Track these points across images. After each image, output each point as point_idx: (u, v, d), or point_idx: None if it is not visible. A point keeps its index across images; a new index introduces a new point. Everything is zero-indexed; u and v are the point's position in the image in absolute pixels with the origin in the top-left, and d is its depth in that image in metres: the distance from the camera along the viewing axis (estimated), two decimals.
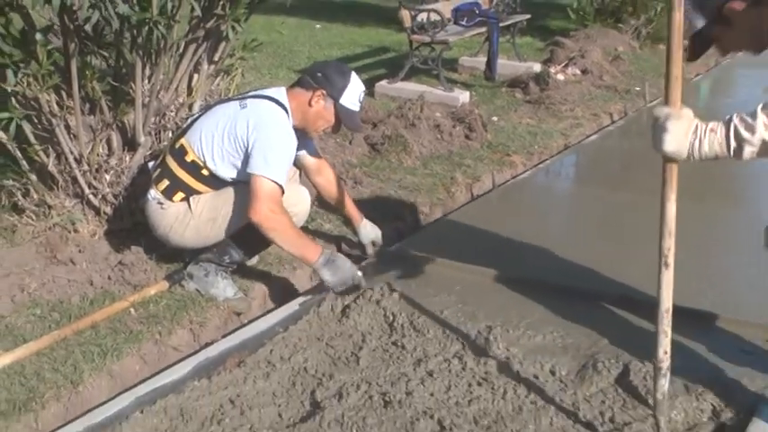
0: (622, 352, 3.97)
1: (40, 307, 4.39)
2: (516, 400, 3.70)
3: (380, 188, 6.40)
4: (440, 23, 9.78)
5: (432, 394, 3.74)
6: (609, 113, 9.22)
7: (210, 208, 4.49)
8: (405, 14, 9.72)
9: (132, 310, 4.44)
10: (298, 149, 4.58)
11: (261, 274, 4.97)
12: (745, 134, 2.82)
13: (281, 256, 5.08)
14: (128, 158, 5.13)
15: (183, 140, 4.52)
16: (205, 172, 4.47)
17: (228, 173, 4.48)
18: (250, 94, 4.61)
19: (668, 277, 3.11)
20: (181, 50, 5.19)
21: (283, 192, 4.35)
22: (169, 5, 4.70)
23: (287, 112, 4.46)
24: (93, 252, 4.84)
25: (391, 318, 4.39)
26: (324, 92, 4.48)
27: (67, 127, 4.92)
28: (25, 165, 5.03)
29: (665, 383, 3.26)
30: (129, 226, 5.08)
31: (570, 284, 4.76)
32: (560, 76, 10.35)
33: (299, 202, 4.56)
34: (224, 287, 4.63)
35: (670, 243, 3.07)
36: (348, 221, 5.17)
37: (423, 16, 9.75)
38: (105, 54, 5.05)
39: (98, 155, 5.02)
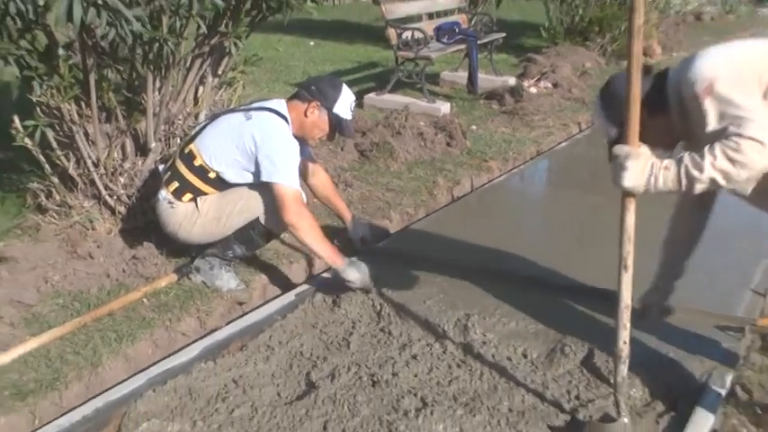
0: (587, 338, 4.01)
1: (62, 297, 4.41)
2: (491, 380, 3.76)
3: (369, 190, 6.38)
4: (423, 41, 9.78)
5: (415, 375, 3.79)
6: (577, 123, 9.20)
7: (216, 208, 4.52)
8: (391, 33, 9.71)
9: (145, 299, 4.46)
10: None
11: (261, 268, 4.97)
12: (694, 173, 2.87)
13: (279, 251, 5.12)
14: (140, 163, 5.14)
15: (191, 146, 4.54)
16: (212, 175, 4.48)
17: (234, 177, 4.50)
18: (253, 105, 4.62)
19: (627, 278, 3.15)
20: (188, 65, 5.19)
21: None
22: (177, 24, 4.73)
23: (287, 121, 4.49)
24: (109, 248, 4.85)
25: (379, 307, 4.43)
26: (318, 103, 4.52)
27: (86, 134, 4.94)
28: (48, 169, 5.04)
29: (624, 369, 3.29)
30: (142, 224, 5.08)
31: (541, 277, 4.81)
32: (533, 89, 10.34)
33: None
34: (227, 279, 4.66)
35: (629, 248, 3.10)
36: (340, 220, 5.17)
37: (408, 34, 9.74)
38: (120, 68, 5.05)
39: (113, 159, 5.03)
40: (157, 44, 4.69)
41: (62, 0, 3.87)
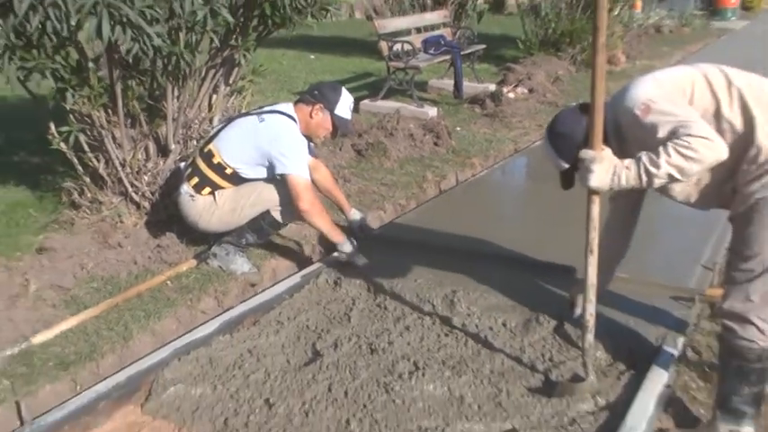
0: (558, 309, 4.08)
1: (96, 281, 4.48)
2: (475, 346, 3.84)
3: (365, 185, 6.43)
4: (412, 52, 9.84)
5: (408, 343, 3.87)
6: None
7: (232, 200, 4.58)
8: (383, 45, 9.78)
9: (168, 282, 4.53)
10: None
11: (270, 254, 5.02)
12: (652, 170, 2.92)
13: (286, 239, 5.18)
14: (161, 163, 5.19)
15: (210, 146, 4.60)
16: (228, 171, 4.55)
17: (249, 173, 4.58)
18: (265, 109, 4.68)
19: (593, 260, 3.25)
20: (202, 75, 5.24)
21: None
22: (193, 39, 4.76)
23: (295, 122, 4.58)
24: (136, 238, 4.90)
25: (375, 285, 4.50)
26: (322, 105, 4.61)
27: (114, 138, 4.99)
28: (80, 169, 5.10)
29: (590, 335, 3.39)
30: (164, 217, 5.12)
31: (519, 257, 4.87)
32: (511, 95, 10.34)
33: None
34: (241, 263, 4.72)
35: (594, 235, 3.20)
36: (340, 210, 5.23)
37: (398, 47, 9.79)
38: (142, 79, 5.10)
39: (138, 160, 5.08)
40: (175, 57, 4.74)
41: (92, 19, 3.95)
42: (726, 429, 3.09)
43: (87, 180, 5.17)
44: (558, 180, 3.44)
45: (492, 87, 10.70)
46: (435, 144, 7.72)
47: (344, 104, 4.69)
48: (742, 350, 3.01)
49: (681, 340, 3.81)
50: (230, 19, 4.62)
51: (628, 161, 3.02)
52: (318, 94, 4.64)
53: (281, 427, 3.25)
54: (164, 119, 5.09)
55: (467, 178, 7.10)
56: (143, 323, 4.08)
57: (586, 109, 3.19)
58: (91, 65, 4.69)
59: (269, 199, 4.59)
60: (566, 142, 3.29)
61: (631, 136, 3.10)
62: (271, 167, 4.54)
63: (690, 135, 2.82)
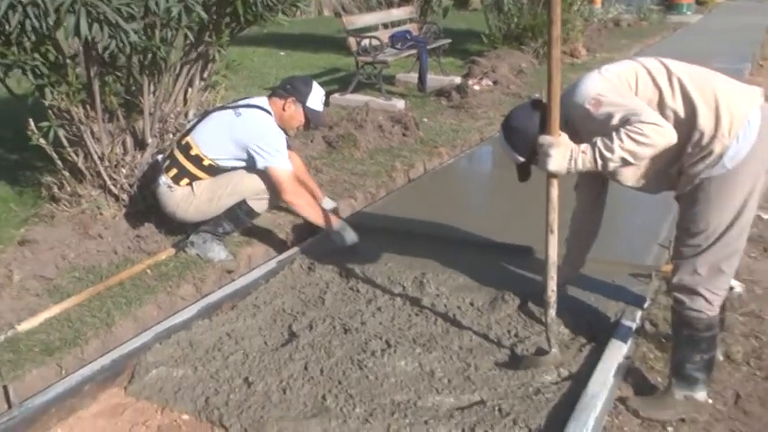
0: (522, 288, 4.17)
1: (78, 271, 4.49)
2: (444, 324, 3.93)
3: (337, 175, 6.47)
4: (379, 47, 9.86)
5: (380, 323, 3.95)
6: None
7: (209, 190, 4.61)
8: (351, 41, 9.81)
9: (148, 270, 4.54)
10: None
11: (246, 241, 5.05)
12: (606, 154, 3.02)
13: (261, 227, 5.19)
14: (139, 156, 5.19)
15: (188, 138, 4.63)
16: (206, 163, 4.58)
17: (226, 164, 4.62)
18: (240, 103, 4.72)
19: (554, 240, 3.35)
20: (177, 71, 5.24)
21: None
22: (168, 35, 4.78)
23: (271, 115, 4.63)
24: (115, 229, 4.90)
25: (347, 270, 4.56)
26: (294, 98, 4.66)
27: (92, 132, 4.98)
28: (60, 164, 5.10)
29: (552, 311, 3.49)
30: (143, 208, 5.12)
31: (485, 241, 4.94)
32: (476, 87, 10.36)
33: (273, 189, 4.65)
34: (218, 251, 4.74)
35: (554, 216, 3.31)
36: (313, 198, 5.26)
37: (366, 42, 9.80)
38: (119, 74, 5.09)
39: (116, 154, 5.08)
40: (151, 53, 4.76)
41: (70, 17, 3.97)
42: (681, 395, 3.20)
43: (66, 174, 5.17)
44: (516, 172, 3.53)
45: (458, 80, 10.76)
46: (404, 135, 7.76)
47: (316, 97, 4.74)
48: (692, 320, 3.13)
49: (639, 314, 3.91)
50: (204, 15, 4.65)
51: (584, 146, 3.11)
52: (290, 88, 4.69)
53: (260, 404, 3.31)
54: (140, 113, 5.09)
55: (434, 167, 7.15)
56: (125, 310, 4.11)
57: (538, 105, 3.31)
58: (69, 62, 4.69)
59: (245, 189, 4.63)
60: (520, 137, 3.37)
61: (583, 129, 3.18)
62: (249, 159, 4.58)
63: (641, 122, 2.93)
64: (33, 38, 4.40)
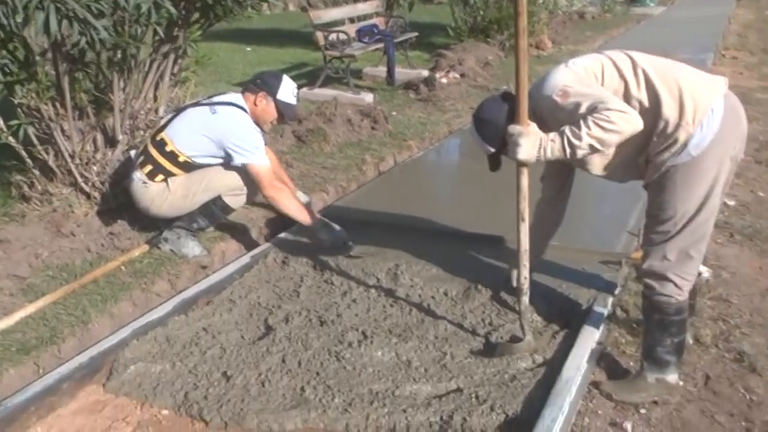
0: (495, 277, 4.21)
1: (51, 269, 4.47)
2: (419, 314, 3.97)
3: (307, 169, 6.47)
4: (347, 42, 9.89)
5: (356, 315, 3.99)
6: None
7: (184, 186, 4.61)
8: (319, 35, 9.82)
9: (123, 267, 4.54)
10: None
11: (220, 237, 5.05)
12: (574, 141, 3.08)
13: (235, 222, 5.19)
14: (110, 153, 5.17)
15: (163, 135, 4.61)
16: (182, 159, 4.57)
17: (202, 161, 4.62)
18: (215, 100, 4.70)
19: (525, 228, 3.41)
20: (147, 67, 5.23)
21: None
22: (138, 31, 4.77)
23: (246, 111, 4.63)
24: (88, 227, 4.88)
25: (321, 263, 4.59)
26: (265, 93, 4.65)
27: (62, 130, 4.95)
28: (30, 162, 5.07)
29: (526, 299, 3.55)
30: (114, 206, 5.11)
31: (456, 231, 4.98)
32: (444, 80, 10.40)
33: (249, 185, 4.68)
34: (192, 247, 4.74)
35: (524, 204, 3.37)
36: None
37: (333, 36, 9.83)
38: (88, 71, 5.07)
39: (86, 151, 5.06)
40: (121, 50, 4.76)
41: (39, 14, 3.94)
42: (653, 378, 3.27)
43: (37, 173, 5.14)
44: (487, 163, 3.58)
45: (425, 73, 10.78)
46: (373, 128, 7.78)
47: (287, 90, 4.73)
48: (662, 305, 3.21)
49: (610, 300, 3.98)
50: (173, 11, 4.63)
51: (552, 134, 3.17)
52: (261, 83, 4.69)
53: (239, 397, 3.34)
54: (110, 110, 5.08)
55: (404, 160, 7.18)
56: (101, 307, 4.11)
57: (508, 97, 3.36)
58: (38, 59, 4.67)
59: (220, 185, 4.64)
60: (490, 128, 3.43)
61: (552, 119, 3.23)
62: (225, 156, 4.59)
63: (607, 109, 2.99)
64: (2, 35, 4.38)
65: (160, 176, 4.62)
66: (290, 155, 6.79)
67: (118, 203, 5.13)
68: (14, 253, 4.53)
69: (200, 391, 3.39)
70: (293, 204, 4.68)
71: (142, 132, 5.30)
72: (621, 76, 3.13)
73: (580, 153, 3.14)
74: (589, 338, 3.59)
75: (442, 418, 3.12)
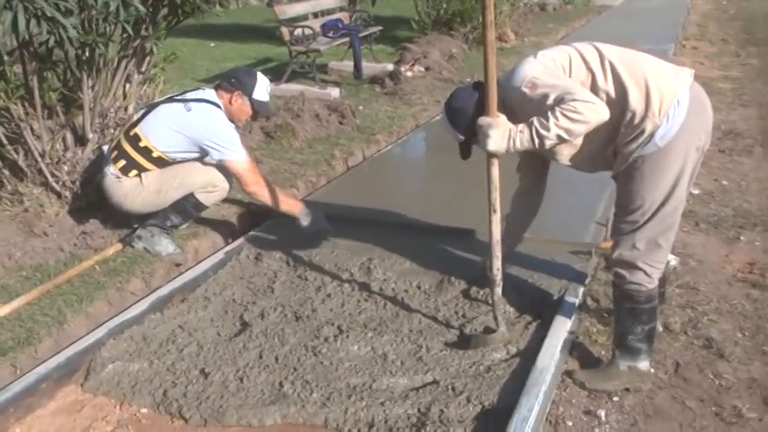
0: (467, 269, 4.26)
1: (25, 270, 4.45)
2: (393, 308, 4.01)
3: (277, 165, 6.48)
4: (312, 36, 9.90)
5: (331, 309, 4.02)
6: None
7: (157, 182, 4.60)
8: (284, 31, 9.82)
9: (96, 267, 4.52)
10: None
11: (192, 234, 5.04)
12: (542, 132, 3.13)
13: (207, 219, 5.19)
14: (80, 152, 5.15)
15: (136, 130, 4.58)
16: (155, 155, 4.56)
17: (176, 157, 4.61)
18: (189, 97, 4.69)
19: (496, 219, 3.45)
20: (115, 65, 5.20)
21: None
22: (106, 29, 4.74)
23: (221, 108, 4.63)
24: (60, 226, 4.86)
25: (294, 258, 4.61)
26: (240, 92, 4.65)
27: (32, 129, 4.92)
28: None
29: (498, 290, 3.60)
30: (85, 205, 5.09)
31: (428, 225, 5.02)
32: (409, 73, 10.43)
33: (223, 181, 4.71)
34: (166, 245, 4.74)
35: (496, 195, 3.41)
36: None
37: (298, 31, 9.84)
38: (57, 70, 5.05)
39: (56, 150, 5.04)
40: (89, 48, 4.73)
41: (7, 14, 3.92)
42: (625, 366, 3.34)
43: (7, 173, 5.11)
44: (458, 152, 3.62)
45: (390, 67, 10.82)
46: (340, 123, 7.80)
47: (261, 88, 4.74)
48: (632, 293, 3.27)
49: (581, 290, 4.04)
50: (142, 9, 4.61)
51: (521, 126, 3.22)
52: (235, 81, 4.69)
53: (218, 394, 3.35)
54: (80, 109, 5.06)
55: (372, 154, 7.21)
56: (76, 307, 4.09)
57: (478, 87, 3.40)
58: (6, 58, 4.64)
59: (194, 181, 4.64)
60: (459, 116, 3.47)
61: (521, 111, 3.28)
62: (200, 152, 4.59)
63: (575, 100, 3.05)
64: None
65: (134, 172, 4.60)
66: (258, 151, 6.79)
67: (89, 202, 5.11)
68: None
69: (178, 389, 3.40)
70: (276, 197, 4.67)
71: (112, 131, 5.27)
72: (589, 68, 3.19)
73: (548, 143, 3.18)
74: (561, 328, 3.64)
75: (419, 411, 3.17)
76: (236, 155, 4.55)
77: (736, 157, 6.72)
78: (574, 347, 3.62)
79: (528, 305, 3.94)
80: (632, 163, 3.17)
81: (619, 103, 3.12)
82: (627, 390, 3.32)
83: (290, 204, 4.73)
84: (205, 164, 4.65)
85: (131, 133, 4.63)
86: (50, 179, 5.05)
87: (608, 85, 3.15)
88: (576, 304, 3.90)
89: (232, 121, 4.70)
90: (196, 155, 4.63)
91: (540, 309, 3.91)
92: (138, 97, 5.57)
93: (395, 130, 7.95)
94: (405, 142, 7.70)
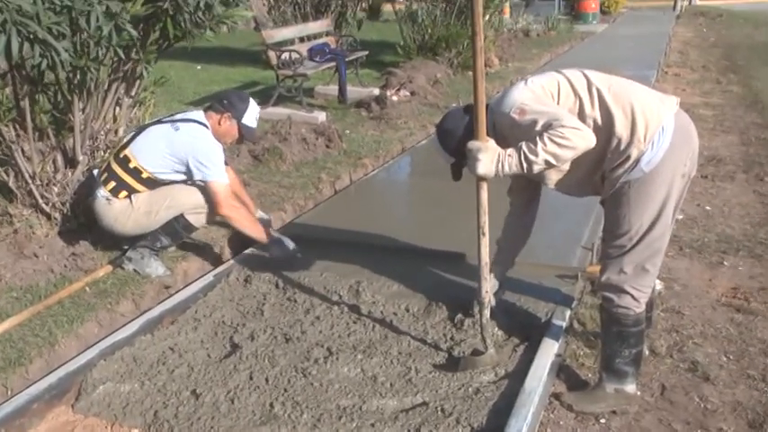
0: (456, 292, 4.31)
1: (15, 291, 4.45)
2: (382, 331, 4.04)
3: (265, 188, 6.50)
4: (299, 61, 9.94)
5: (320, 331, 4.05)
6: (434, 124, 9.11)
7: (147, 203, 4.64)
8: (271, 55, 9.88)
9: (87, 288, 4.53)
10: None
11: (182, 256, 5.07)
12: (530, 157, 3.20)
13: (197, 242, 5.22)
14: (70, 174, 5.15)
15: (126, 152, 4.63)
16: (145, 175, 4.60)
17: (165, 177, 4.65)
18: (177, 117, 4.76)
19: (485, 241, 3.49)
20: (106, 87, 5.22)
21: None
22: (99, 53, 4.76)
23: (208, 129, 4.68)
24: (50, 248, 4.86)
25: (284, 280, 4.64)
26: (230, 114, 4.72)
27: (23, 151, 4.94)
28: None
29: (487, 312, 3.63)
30: (75, 226, 5.11)
31: (415, 248, 5.05)
32: (395, 98, 10.50)
33: (209, 203, 4.71)
34: (156, 267, 4.76)
35: (485, 219, 3.45)
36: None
37: (285, 55, 9.90)
38: (48, 92, 5.07)
39: (47, 172, 5.05)
40: (80, 71, 4.75)
41: (1, 37, 3.94)
42: (612, 388, 3.39)
43: None
44: (450, 174, 3.68)
45: (376, 91, 10.86)
46: (327, 147, 7.84)
47: (251, 114, 4.81)
48: (620, 317, 3.33)
49: (567, 313, 4.09)
50: (134, 34, 4.63)
51: (510, 150, 3.28)
52: (227, 104, 4.75)
53: (209, 415, 3.37)
54: (70, 131, 5.08)
55: (359, 178, 7.24)
56: (67, 328, 4.10)
57: (469, 110, 3.45)
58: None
59: (184, 203, 4.67)
60: (449, 137, 3.54)
61: (511, 135, 3.34)
62: (188, 173, 4.63)
63: (562, 126, 3.12)
64: None
65: (123, 193, 4.64)
66: (246, 174, 6.81)
67: (79, 224, 5.13)
68: None
69: (169, 410, 3.41)
70: (247, 222, 4.76)
71: (102, 153, 5.29)
72: (576, 95, 3.26)
73: (536, 168, 3.24)
74: (549, 351, 3.68)
75: None
76: (217, 176, 4.60)
77: (718, 183, 6.82)
78: (561, 370, 3.67)
79: (516, 327, 3.98)
80: (619, 188, 3.24)
81: (605, 130, 3.19)
82: (614, 412, 3.36)
83: (259, 231, 4.81)
84: (194, 185, 4.68)
85: (121, 155, 4.67)
86: (40, 201, 5.05)
87: (595, 112, 3.21)
88: (563, 327, 3.95)
89: (217, 141, 4.73)
90: (184, 175, 4.67)
91: (528, 331, 3.95)
92: (128, 120, 5.60)
93: (381, 155, 7.99)
94: (391, 166, 7.73)
